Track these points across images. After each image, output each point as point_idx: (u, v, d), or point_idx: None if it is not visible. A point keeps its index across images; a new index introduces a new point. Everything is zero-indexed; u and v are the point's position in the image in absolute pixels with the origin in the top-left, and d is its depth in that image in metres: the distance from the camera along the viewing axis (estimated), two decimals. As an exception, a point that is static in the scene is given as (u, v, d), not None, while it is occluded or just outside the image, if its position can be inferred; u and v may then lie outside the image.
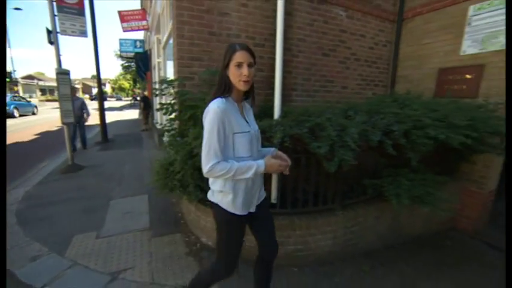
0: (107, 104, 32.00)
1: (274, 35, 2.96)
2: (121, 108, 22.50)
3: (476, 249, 2.86)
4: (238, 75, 1.23)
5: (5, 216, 2.86)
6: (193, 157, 2.20)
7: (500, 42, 2.86)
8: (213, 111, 1.19)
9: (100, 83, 7.24)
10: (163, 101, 4.04)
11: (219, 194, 1.33)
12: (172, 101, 2.86)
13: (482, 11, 3.01)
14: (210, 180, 1.39)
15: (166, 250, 2.48)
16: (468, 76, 3.12)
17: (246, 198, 1.35)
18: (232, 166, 1.21)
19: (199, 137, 2.14)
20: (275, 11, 2.95)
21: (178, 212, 3.33)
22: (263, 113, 2.76)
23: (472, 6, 3.09)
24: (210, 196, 1.40)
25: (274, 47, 3.06)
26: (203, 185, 2.38)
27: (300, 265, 2.25)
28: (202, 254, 2.46)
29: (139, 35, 12.84)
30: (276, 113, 2.40)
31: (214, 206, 1.36)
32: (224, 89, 1.27)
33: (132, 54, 10.28)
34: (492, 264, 2.59)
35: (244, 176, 1.24)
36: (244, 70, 1.22)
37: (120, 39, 10.38)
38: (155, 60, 8.36)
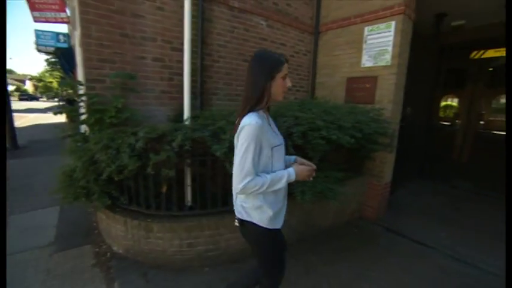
0: (26, 105, 27.79)
1: (192, 39, 3.00)
2: (45, 110, 19.76)
3: (374, 233, 3.33)
4: (283, 86, 1.22)
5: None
6: (95, 163, 2.09)
7: (386, 59, 3.40)
8: (251, 127, 1.13)
9: (4, 79, 6.25)
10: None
11: (257, 210, 1.27)
12: (79, 104, 2.65)
13: (373, 33, 3.55)
14: (242, 197, 1.32)
15: (68, 265, 2.29)
16: (367, 85, 3.63)
17: (283, 210, 1.36)
18: (265, 180, 1.17)
19: (100, 142, 2.05)
20: (194, 16, 3.00)
21: (94, 221, 3.09)
22: (180, 116, 2.76)
23: (366, 28, 3.61)
24: (242, 215, 1.33)
25: (194, 51, 3.10)
26: (111, 191, 2.27)
27: (211, 265, 2.31)
28: (112, 263, 2.34)
29: (64, 28, 11.48)
30: (186, 116, 2.43)
31: (249, 225, 1.30)
32: (266, 101, 1.21)
33: (53, 49, 9.11)
34: (383, 244, 3.06)
35: (277, 186, 1.22)
36: (288, 81, 1.25)
37: (36, 30, 9.00)
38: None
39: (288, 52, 4.10)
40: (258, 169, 1.21)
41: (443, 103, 22.32)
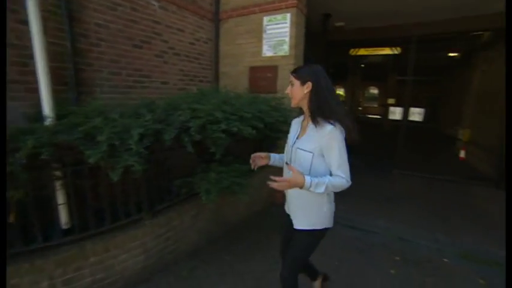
0: None
1: (51, 11, 2.29)
2: None
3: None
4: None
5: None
6: None
7: (284, 49, 3.54)
8: None
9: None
10: None
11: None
12: None
13: (272, 23, 3.62)
14: (325, 199, 1.43)
15: None
16: (269, 74, 3.71)
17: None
18: None
19: None
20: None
21: None
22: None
23: (265, 18, 3.65)
24: (307, 225, 1.43)
25: (60, 29, 2.39)
26: None
27: (104, 296, 1.88)
28: None
29: None
30: (46, 114, 1.84)
31: (313, 233, 1.43)
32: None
33: None
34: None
35: None
36: (288, 88, 1.41)
37: None
38: None
39: (186, 39, 3.75)
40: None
41: (333, 93, 26.19)
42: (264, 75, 3.75)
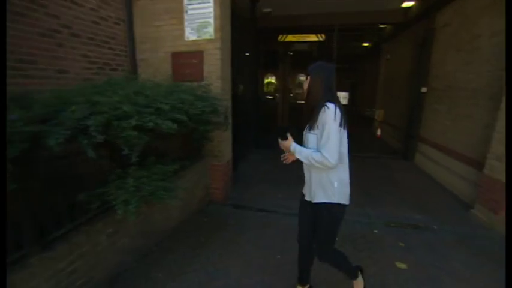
0: None
1: None
2: None
3: (224, 216, 3.28)
4: None
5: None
6: None
7: (209, 32, 3.20)
8: None
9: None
10: None
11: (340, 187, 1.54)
12: None
13: (194, 2, 3.21)
14: (333, 176, 1.53)
15: None
16: (194, 61, 3.33)
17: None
18: None
19: None
20: None
21: None
22: None
23: (185, -6, 3.22)
24: (324, 198, 1.55)
25: None
26: None
27: None
28: None
29: None
30: None
31: (331, 207, 1.55)
32: None
33: None
34: (232, 224, 3.05)
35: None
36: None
37: None
38: None
39: (87, 16, 3.02)
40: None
41: (266, 80, 26.81)
42: (188, 61, 3.35)
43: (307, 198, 1.71)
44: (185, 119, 1.93)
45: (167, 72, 3.43)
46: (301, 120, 1.73)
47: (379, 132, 7.62)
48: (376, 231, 2.95)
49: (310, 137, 1.54)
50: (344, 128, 1.46)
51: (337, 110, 1.42)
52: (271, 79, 22.06)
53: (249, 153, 6.19)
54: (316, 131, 1.49)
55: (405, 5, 5.76)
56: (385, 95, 8.82)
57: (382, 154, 6.15)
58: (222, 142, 3.48)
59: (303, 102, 1.68)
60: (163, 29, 3.50)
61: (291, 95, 22.95)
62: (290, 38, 6.21)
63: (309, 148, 1.54)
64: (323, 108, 1.42)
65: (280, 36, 6.30)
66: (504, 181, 2.88)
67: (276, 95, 10.98)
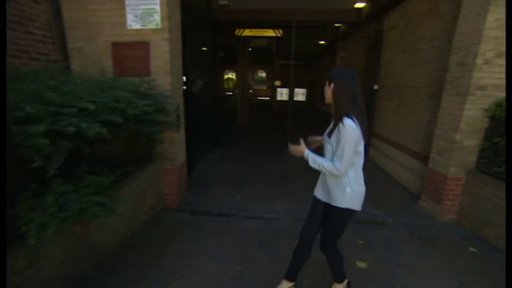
0: None
1: None
2: None
3: (179, 224, 2.97)
4: None
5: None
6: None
7: (155, 20, 2.83)
8: None
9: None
10: None
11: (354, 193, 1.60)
12: None
13: (135, -18, 2.81)
14: (346, 183, 1.58)
15: None
16: (138, 53, 2.93)
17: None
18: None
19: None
20: None
21: None
22: None
23: (124, -27, 2.79)
24: (336, 202, 1.62)
25: None
26: None
27: None
28: None
29: None
30: None
31: (343, 211, 1.62)
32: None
33: None
34: (189, 233, 2.77)
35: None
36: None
37: None
38: None
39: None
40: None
41: (226, 76, 26.38)
42: (132, 53, 2.93)
43: (321, 198, 1.77)
44: (120, 120, 1.60)
45: (106, 64, 2.97)
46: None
47: (335, 128, 7.91)
48: (336, 229, 2.94)
49: (327, 146, 1.64)
50: (362, 139, 1.52)
51: (355, 126, 1.46)
52: (231, 75, 21.70)
53: (207, 153, 5.89)
54: (332, 141, 1.56)
55: (357, 5, 5.96)
56: (340, 92, 9.14)
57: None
58: (175, 143, 3.15)
59: (268, 98, 1.70)
60: (100, 14, 3.01)
61: (251, 91, 22.96)
62: (247, 32, 6.02)
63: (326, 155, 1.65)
64: (341, 124, 1.46)
65: (237, 30, 6.07)
66: (446, 173, 3.09)
67: (236, 91, 10.72)
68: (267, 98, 19.60)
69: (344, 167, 1.49)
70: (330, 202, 1.67)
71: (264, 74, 25.33)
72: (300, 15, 6.08)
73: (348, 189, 1.58)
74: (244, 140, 6.89)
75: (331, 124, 1.61)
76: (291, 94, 5.79)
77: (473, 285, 2.14)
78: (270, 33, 6.00)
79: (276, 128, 7.74)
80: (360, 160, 1.59)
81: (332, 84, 1.53)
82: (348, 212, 1.64)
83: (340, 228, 1.73)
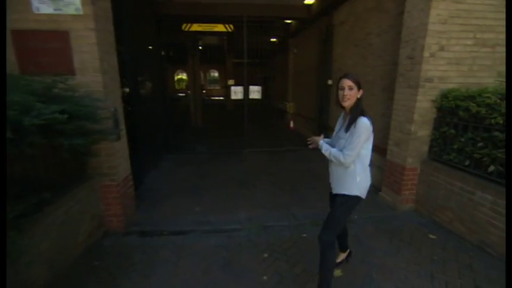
0: None
1: None
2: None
3: (126, 251, 2.48)
4: (339, 95, 1.72)
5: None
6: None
7: (74, 4, 2.27)
8: None
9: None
10: None
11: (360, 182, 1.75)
12: None
13: (42, -46, 2.21)
14: (355, 172, 1.73)
15: None
16: (56, 45, 2.33)
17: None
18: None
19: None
20: None
21: None
22: None
23: None
24: (345, 190, 1.77)
25: None
26: None
27: None
28: None
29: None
30: None
31: (352, 198, 1.76)
32: (337, 104, 1.78)
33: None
34: (138, 262, 2.30)
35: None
36: (341, 93, 1.71)
37: None
38: None
39: None
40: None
41: (177, 77, 25.09)
42: (46, 45, 2.32)
43: (332, 190, 1.92)
44: (10, 134, 1.12)
45: (9, 57, 2.31)
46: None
47: (292, 124, 7.93)
48: (304, 234, 2.76)
49: (339, 141, 1.77)
50: (372, 136, 1.73)
51: (370, 124, 1.67)
52: (182, 75, 20.68)
53: (160, 160, 5.31)
54: (346, 136, 1.70)
55: (307, 1, 5.96)
56: (295, 88, 9.27)
57: (298, 146, 6.33)
58: (114, 155, 2.62)
59: (222, 98, 1.64)
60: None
61: (204, 91, 22.25)
62: (195, 27, 5.58)
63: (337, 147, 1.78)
64: (361, 120, 1.64)
65: (185, 25, 5.58)
66: (404, 164, 3.16)
67: (188, 91, 10.10)
68: (221, 98, 19.12)
69: (352, 156, 1.66)
70: (338, 192, 1.81)
71: (216, 74, 24.78)
72: (251, 11, 5.85)
73: (358, 178, 1.73)
74: (200, 143, 6.43)
75: (346, 122, 1.76)
76: (246, 92, 5.55)
77: (441, 275, 2.14)
78: (220, 28, 5.65)
79: (232, 128, 7.42)
80: (368, 155, 1.77)
81: (361, 91, 1.70)
82: (356, 200, 1.78)
83: (343, 217, 1.83)
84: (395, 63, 3.49)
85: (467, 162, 2.63)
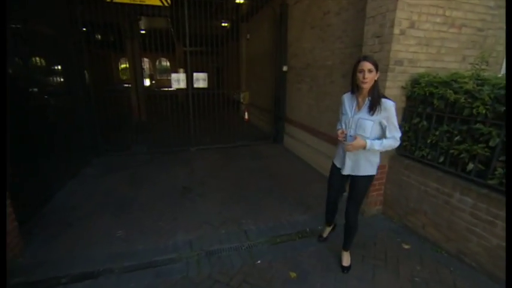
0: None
1: None
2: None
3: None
4: (359, 78, 1.71)
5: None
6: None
7: None
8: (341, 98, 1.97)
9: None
10: None
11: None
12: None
13: None
14: (375, 155, 1.89)
15: None
16: None
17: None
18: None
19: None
20: None
21: None
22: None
23: None
24: (370, 171, 1.89)
25: None
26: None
27: None
28: None
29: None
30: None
31: (371, 178, 1.93)
32: (353, 86, 1.82)
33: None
34: None
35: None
36: (361, 76, 1.70)
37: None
38: None
39: None
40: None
41: (122, 65, 22.54)
42: None
43: (346, 172, 1.93)
44: None
45: None
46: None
47: (246, 115, 7.32)
48: (259, 261, 2.16)
49: (366, 122, 1.77)
50: None
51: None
52: (127, 64, 18.52)
53: (83, 166, 4.23)
54: (373, 118, 1.74)
55: (258, -23, 5.26)
56: (249, 77, 8.61)
57: (253, 140, 5.72)
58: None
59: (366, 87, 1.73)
60: None
61: (153, 82, 20.30)
62: (124, -2, 4.49)
63: (358, 132, 1.80)
64: (389, 102, 1.72)
65: (108, -5, 4.44)
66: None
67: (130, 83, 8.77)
68: (173, 89, 17.55)
69: (400, 136, 1.79)
70: (358, 174, 1.89)
71: (168, 63, 22.88)
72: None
73: (377, 160, 1.89)
74: (141, 141, 5.40)
75: (366, 103, 1.78)
76: (191, 81, 4.70)
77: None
78: (154, 1, 4.64)
79: (180, 122, 6.47)
80: None
81: (378, 73, 1.73)
82: (373, 178, 1.94)
83: (365, 194, 1.99)
84: (357, 44, 3.03)
85: (441, 159, 2.26)
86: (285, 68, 5.01)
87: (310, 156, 4.46)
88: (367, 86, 1.71)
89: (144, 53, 13.09)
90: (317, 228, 2.61)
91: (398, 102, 2.56)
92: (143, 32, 12.86)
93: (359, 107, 1.82)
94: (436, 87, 2.22)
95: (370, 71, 1.67)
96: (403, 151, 2.66)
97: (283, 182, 3.77)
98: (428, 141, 2.34)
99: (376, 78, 1.71)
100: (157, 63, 23.37)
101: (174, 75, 4.62)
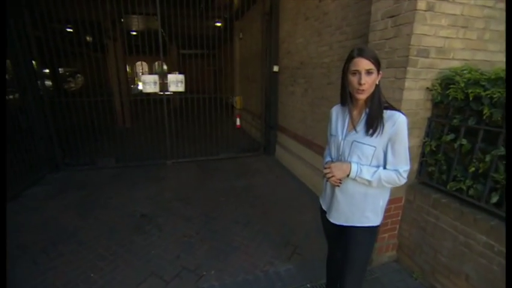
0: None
1: None
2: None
3: None
4: (352, 83, 1.09)
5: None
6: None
7: None
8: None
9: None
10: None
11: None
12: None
13: None
14: (378, 194, 1.20)
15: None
16: None
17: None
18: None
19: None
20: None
21: None
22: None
23: None
24: (368, 221, 1.21)
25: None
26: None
27: None
28: None
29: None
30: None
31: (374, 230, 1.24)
32: (345, 97, 1.18)
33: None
34: None
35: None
36: (356, 80, 1.07)
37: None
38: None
39: None
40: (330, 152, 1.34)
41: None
42: None
43: (335, 221, 1.28)
44: None
45: None
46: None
47: (238, 122, 6.60)
48: None
49: (364, 148, 1.14)
50: None
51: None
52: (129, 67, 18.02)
53: (29, 186, 3.50)
54: (375, 141, 1.12)
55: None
56: (241, 79, 7.91)
57: (241, 152, 4.95)
58: None
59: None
60: None
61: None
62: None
63: (353, 160, 1.17)
64: (399, 116, 1.09)
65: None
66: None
67: (121, 87, 8.10)
68: (168, 93, 17.00)
69: (408, 172, 1.16)
70: (353, 224, 1.23)
71: (165, 67, 22.40)
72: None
73: (381, 202, 1.23)
74: (108, 153, 4.63)
75: (361, 118, 1.16)
76: (164, 84, 4.00)
77: None
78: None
79: (162, 130, 5.69)
80: None
81: (380, 73, 1.11)
82: (376, 231, 1.27)
83: (369, 257, 1.30)
84: (360, 35, 2.30)
85: (495, 198, 1.48)
86: (275, 68, 4.27)
87: (304, 173, 3.68)
88: (363, 96, 1.10)
89: (130, 56, 12.52)
90: (306, 286, 1.83)
91: (421, 110, 1.80)
92: (135, 33, 12.29)
93: (353, 124, 1.19)
94: (486, 89, 1.45)
95: (368, 72, 1.06)
96: (427, 179, 1.88)
97: (268, 208, 3.00)
98: (471, 169, 1.56)
99: (377, 82, 1.11)
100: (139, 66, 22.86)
101: (143, 77, 3.91)
